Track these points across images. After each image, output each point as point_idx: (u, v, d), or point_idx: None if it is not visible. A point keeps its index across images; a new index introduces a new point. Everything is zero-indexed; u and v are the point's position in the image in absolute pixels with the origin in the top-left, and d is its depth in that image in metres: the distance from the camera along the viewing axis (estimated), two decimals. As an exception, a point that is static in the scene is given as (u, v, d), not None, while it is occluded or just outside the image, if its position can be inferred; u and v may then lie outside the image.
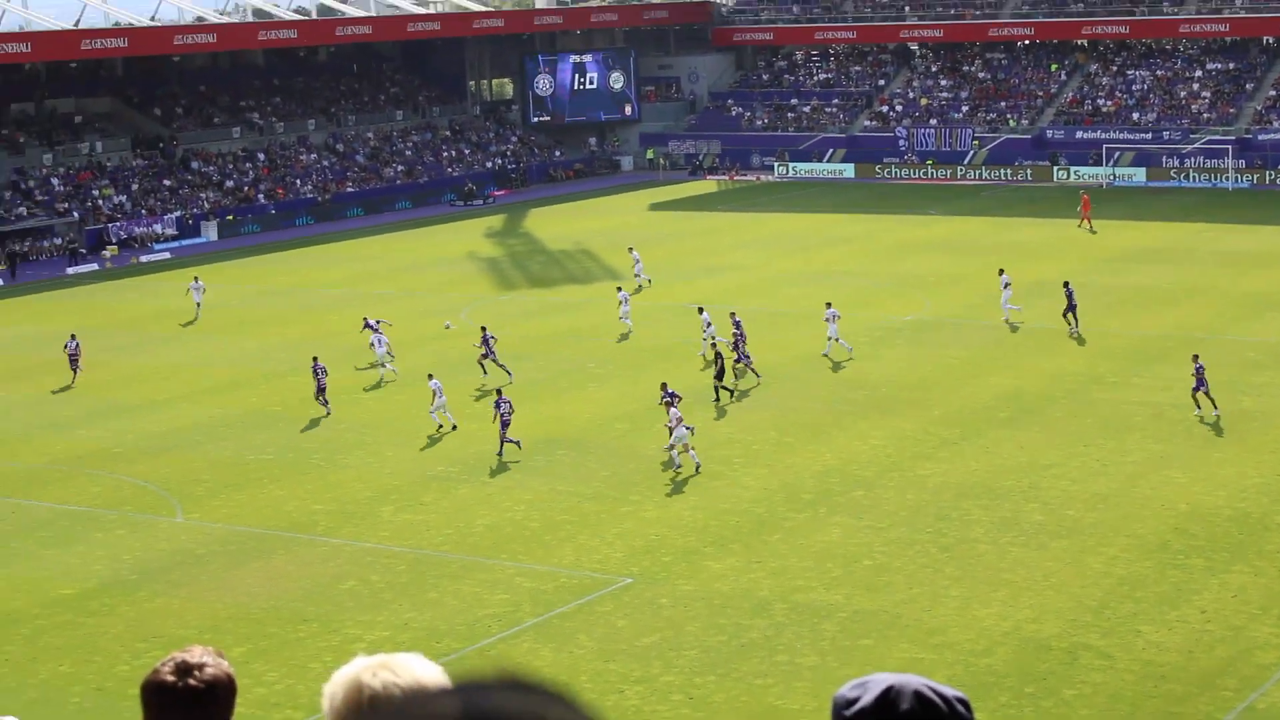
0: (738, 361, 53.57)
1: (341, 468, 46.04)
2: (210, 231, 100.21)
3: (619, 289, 65.34)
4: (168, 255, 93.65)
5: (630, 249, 76.93)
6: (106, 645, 33.36)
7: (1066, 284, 60.45)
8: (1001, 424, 47.63)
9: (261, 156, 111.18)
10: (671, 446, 44.24)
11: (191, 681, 4.94)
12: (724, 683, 29.95)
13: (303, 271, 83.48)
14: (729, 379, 52.10)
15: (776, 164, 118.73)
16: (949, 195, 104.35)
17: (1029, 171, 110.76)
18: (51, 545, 39.89)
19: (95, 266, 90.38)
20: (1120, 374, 52.92)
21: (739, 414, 49.80)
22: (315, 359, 52.69)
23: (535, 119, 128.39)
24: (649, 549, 37.82)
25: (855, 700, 3.46)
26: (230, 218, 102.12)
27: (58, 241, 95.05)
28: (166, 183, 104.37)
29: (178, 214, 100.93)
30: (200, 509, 42.70)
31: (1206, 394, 46.98)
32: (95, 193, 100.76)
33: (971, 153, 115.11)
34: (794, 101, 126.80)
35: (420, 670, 3.61)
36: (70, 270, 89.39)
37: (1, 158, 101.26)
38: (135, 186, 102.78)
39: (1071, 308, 59.35)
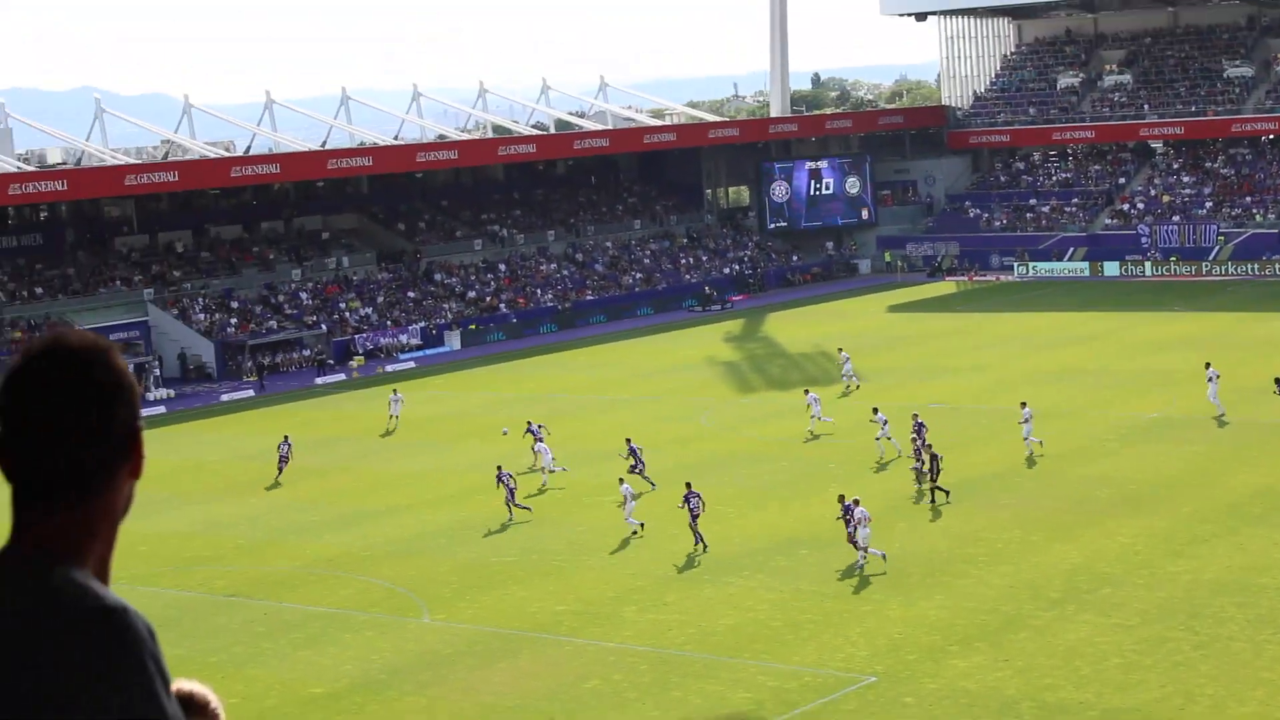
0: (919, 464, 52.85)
1: (585, 568, 46.30)
2: (454, 341, 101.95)
3: (806, 391, 65.53)
4: (412, 364, 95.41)
5: (840, 349, 77.29)
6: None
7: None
8: (1255, 520, 46.44)
9: (503, 267, 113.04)
10: (863, 549, 44.01)
11: None
12: (972, 781, 29.45)
13: (544, 378, 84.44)
14: (941, 479, 51.42)
15: (1016, 264, 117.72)
16: (1194, 292, 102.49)
17: (1277, 266, 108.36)
18: (304, 646, 40.58)
19: (343, 377, 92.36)
20: (1378, 468, 51.34)
21: (983, 512, 49.18)
22: (500, 468, 53.95)
23: (772, 225, 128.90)
24: (893, 648, 37.41)
25: None
26: (473, 327, 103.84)
27: (306, 353, 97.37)
28: (411, 294, 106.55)
29: (422, 324, 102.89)
30: (446, 610, 43.19)
31: None
32: (342, 305, 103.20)
33: (1217, 248, 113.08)
34: (1032, 201, 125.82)
35: None
36: (319, 380, 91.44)
37: (253, 274, 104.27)
38: (380, 299, 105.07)
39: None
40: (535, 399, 77.48)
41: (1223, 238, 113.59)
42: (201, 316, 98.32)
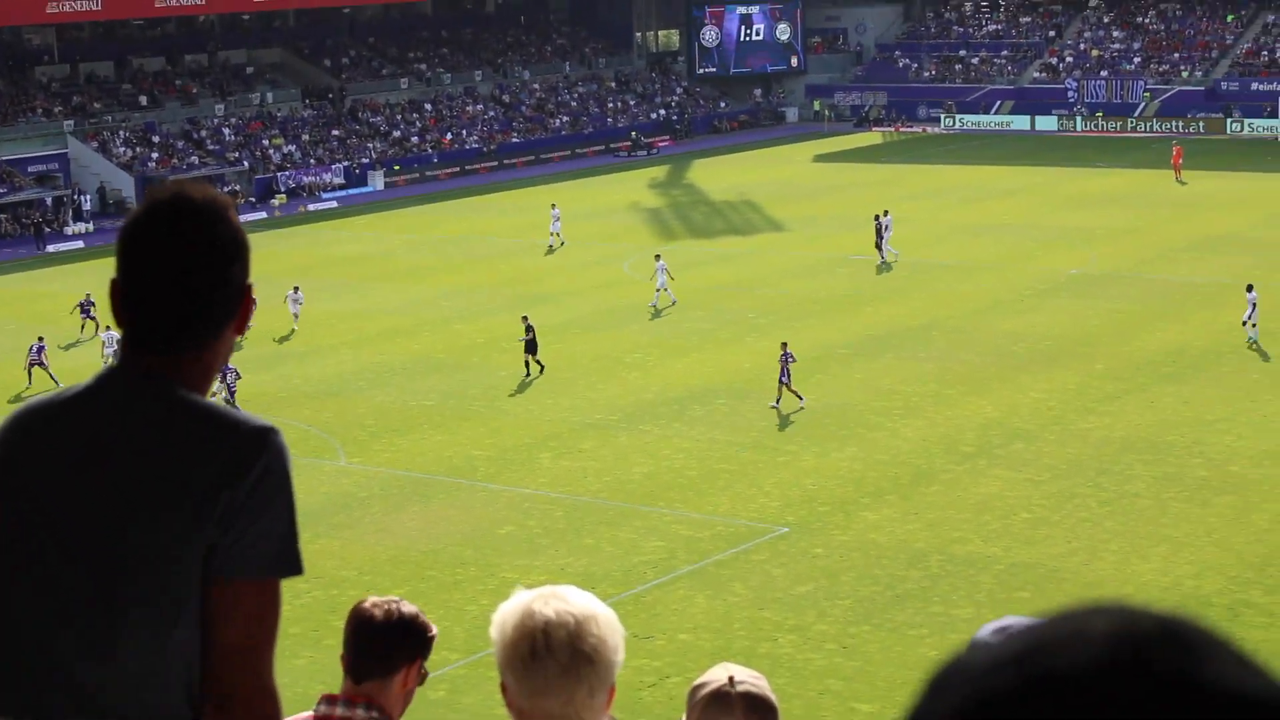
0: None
1: (502, 414, 46.42)
2: (376, 181, 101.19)
3: (657, 256, 61.78)
4: (335, 204, 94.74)
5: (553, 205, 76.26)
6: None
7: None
8: (1166, 379, 46.95)
9: (429, 107, 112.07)
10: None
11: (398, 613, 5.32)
12: (878, 633, 29.89)
13: (467, 220, 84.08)
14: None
15: (944, 116, 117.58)
16: (1119, 148, 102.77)
17: (1202, 124, 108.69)
18: (218, 486, 40.60)
19: (264, 215, 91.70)
20: (1291, 329, 51.89)
21: (899, 365, 49.49)
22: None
23: (701, 71, 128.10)
24: (805, 499, 37.77)
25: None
26: (396, 167, 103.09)
27: (227, 190, 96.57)
28: (335, 133, 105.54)
29: (345, 164, 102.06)
30: (363, 453, 43.28)
31: None
32: (265, 142, 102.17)
33: (1143, 105, 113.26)
34: (962, 53, 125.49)
35: (590, 601, 3.64)
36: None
37: (175, 108, 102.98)
38: (305, 136, 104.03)
39: None
40: (457, 240, 77.18)
41: (1149, 94, 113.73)
42: (122, 150, 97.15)
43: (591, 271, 66.46)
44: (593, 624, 3.58)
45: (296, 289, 59.32)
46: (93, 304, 59.07)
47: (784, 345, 45.83)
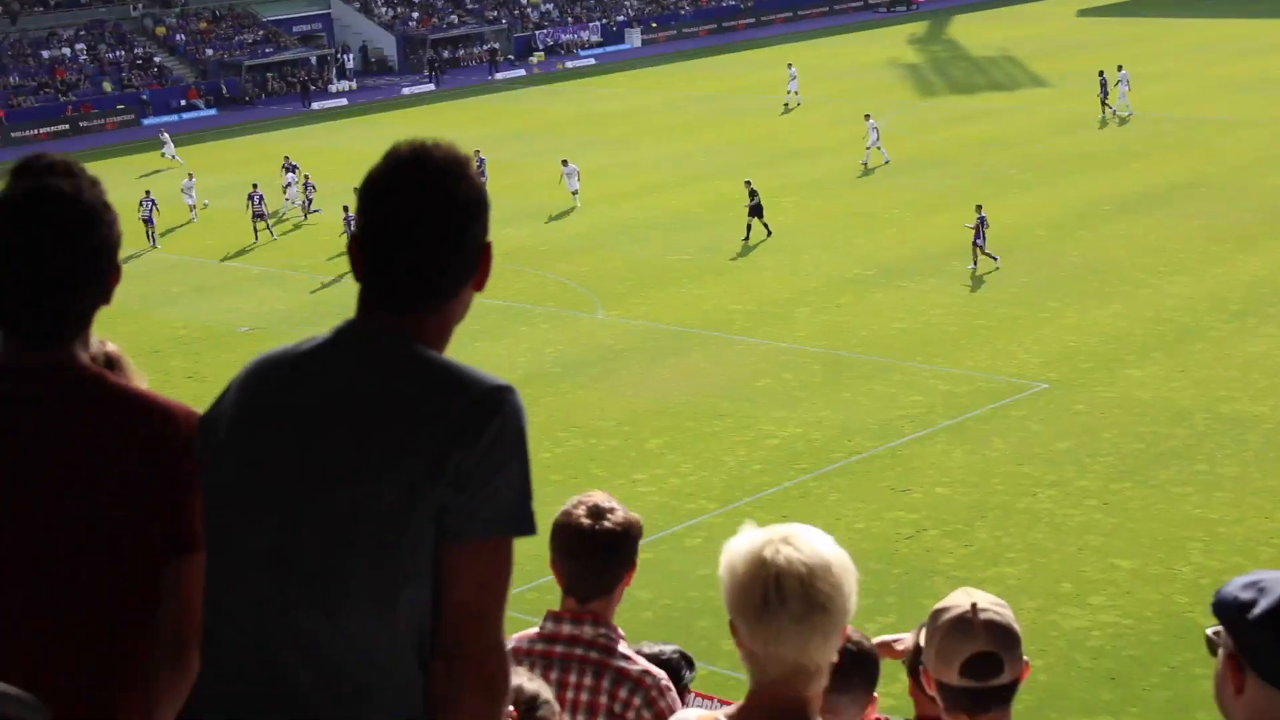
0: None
1: (759, 269, 46.36)
2: (633, 38, 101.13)
3: (867, 116, 60.63)
4: (592, 61, 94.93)
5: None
6: (530, 434, 34.31)
7: None
8: None
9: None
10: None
11: (606, 524, 5.29)
12: (1140, 490, 29.40)
13: (724, 77, 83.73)
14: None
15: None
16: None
17: None
18: (480, 338, 41.04)
19: (522, 73, 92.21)
20: None
21: (1165, 222, 48.36)
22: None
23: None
24: (1067, 355, 37.19)
25: (1252, 604, 3.17)
26: (654, 25, 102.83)
27: (485, 49, 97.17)
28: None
29: (602, 21, 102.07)
30: (620, 306, 43.54)
31: None
32: (524, 1, 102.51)
33: None
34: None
35: (822, 545, 3.58)
36: (497, 76, 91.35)
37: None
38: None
39: None
40: (714, 98, 76.97)
41: None
42: (384, 10, 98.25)
43: (848, 127, 65.72)
44: (826, 572, 3.52)
45: (566, 162, 57.35)
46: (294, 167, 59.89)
47: (979, 208, 45.06)
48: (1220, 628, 3.25)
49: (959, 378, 36.09)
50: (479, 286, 3.62)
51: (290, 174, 59.33)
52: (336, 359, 3.51)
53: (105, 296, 3.70)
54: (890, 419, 33.86)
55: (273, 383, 3.55)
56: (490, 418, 3.41)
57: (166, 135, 72.57)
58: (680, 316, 42.20)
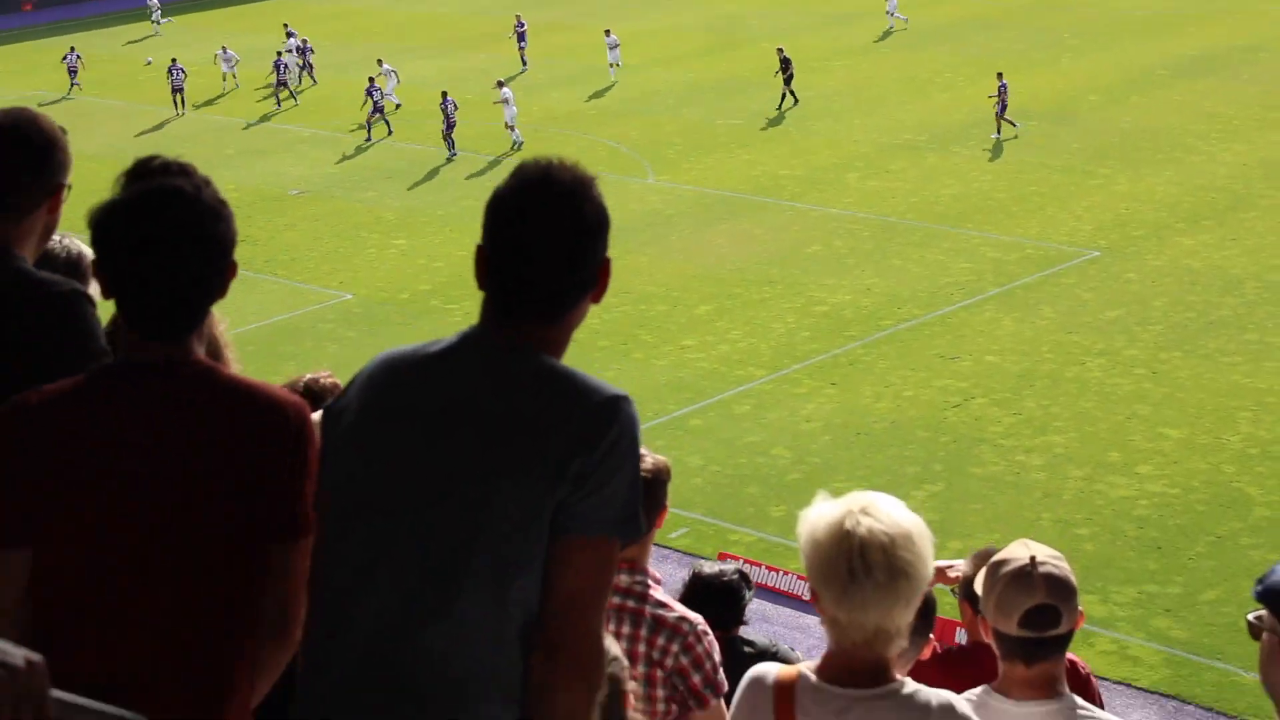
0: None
1: (810, 134, 46.18)
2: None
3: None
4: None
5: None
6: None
7: None
8: None
9: None
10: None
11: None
12: (1189, 359, 29.39)
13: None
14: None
15: None
16: None
17: None
18: (529, 202, 41.12)
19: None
20: None
21: (1221, 87, 47.91)
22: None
23: None
24: (1118, 223, 37.04)
25: None
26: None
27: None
28: None
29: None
30: (670, 171, 43.48)
31: None
32: None
33: None
34: None
35: (900, 514, 3.75)
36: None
37: None
38: None
39: None
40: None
41: None
42: None
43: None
44: (907, 541, 3.71)
45: (609, 32, 55.71)
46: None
47: (999, 75, 44.68)
48: (1264, 612, 3.36)
49: (1009, 245, 36.02)
50: (597, 299, 3.73)
51: (290, 39, 59.34)
52: (463, 365, 3.65)
53: (222, 290, 3.84)
54: (940, 286, 33.86)
55: (402, 382, 3.69)
56: (609, 426, 3.53)
57: (155, 1, 73.48)
58: (730, 182, 42.14)
